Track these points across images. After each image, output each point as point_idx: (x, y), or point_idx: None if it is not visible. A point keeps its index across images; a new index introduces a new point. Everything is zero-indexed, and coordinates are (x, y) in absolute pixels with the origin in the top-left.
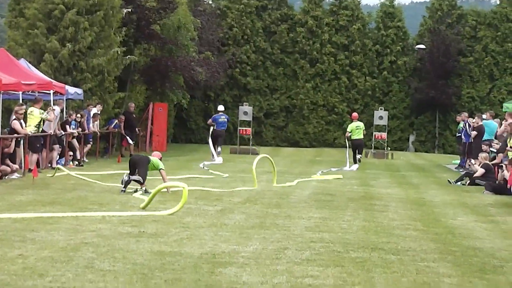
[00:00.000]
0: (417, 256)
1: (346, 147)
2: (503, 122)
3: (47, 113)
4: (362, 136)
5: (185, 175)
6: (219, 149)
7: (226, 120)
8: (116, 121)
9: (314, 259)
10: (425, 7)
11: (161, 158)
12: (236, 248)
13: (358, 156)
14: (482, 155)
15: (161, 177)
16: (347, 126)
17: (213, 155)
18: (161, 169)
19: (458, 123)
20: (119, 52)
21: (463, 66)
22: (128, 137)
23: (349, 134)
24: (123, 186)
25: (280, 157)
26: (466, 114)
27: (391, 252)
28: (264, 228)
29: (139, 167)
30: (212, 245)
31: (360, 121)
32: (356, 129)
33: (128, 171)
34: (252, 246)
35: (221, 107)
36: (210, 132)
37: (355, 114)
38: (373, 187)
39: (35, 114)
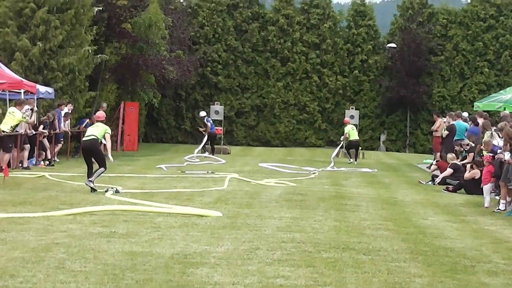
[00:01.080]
0: (388, 256)
1: (338, 146)
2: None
3: (28, 116)
4: (358, 137)
5: (157, 174)
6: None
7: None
8: (88, 120)
9: (285, 259)
10: (396, 6)
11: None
12: (208, 249)
13: (353, 160)
14: (449, 155)
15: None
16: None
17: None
18: (107, 133)
19: (433, 122)
20: (90, 51)
21: (434, 65)
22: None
23: (347, 136)
24: (91, 189)
25: (251, 157)
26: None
27: (362, 252)
28: (236, 228)
29: (94, 155)
30: (183, 245)
31: (331, 120)
32: (352, 130)
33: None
34: (224, 246)
35: (203, 113)
36: (206, 137)
37: (346, 119)
38: (345, 187)
39: (16, 115)
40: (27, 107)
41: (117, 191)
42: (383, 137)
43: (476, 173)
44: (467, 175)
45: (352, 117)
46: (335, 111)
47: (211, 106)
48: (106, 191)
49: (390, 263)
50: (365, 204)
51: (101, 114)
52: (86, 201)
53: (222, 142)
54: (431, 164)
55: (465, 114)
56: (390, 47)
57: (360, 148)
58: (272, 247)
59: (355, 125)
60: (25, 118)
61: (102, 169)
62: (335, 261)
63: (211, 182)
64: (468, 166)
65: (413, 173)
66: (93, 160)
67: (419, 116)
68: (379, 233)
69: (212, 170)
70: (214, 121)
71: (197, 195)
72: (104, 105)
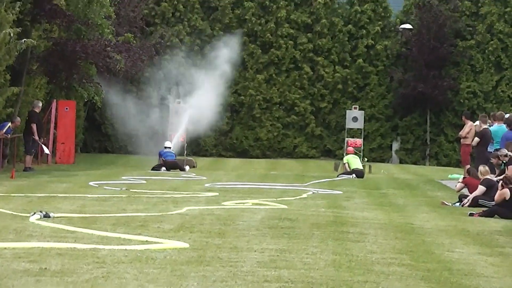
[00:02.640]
0: None
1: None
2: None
3: None
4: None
5: (100, 194)
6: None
7: (174, 154)
8: (10, 124)
9: None
10: None
11: None
12: None
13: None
14: (481, 168)
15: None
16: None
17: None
18: None
19: (462, 126)
20: (11, 35)
21: (462, 52)
22: (43, 146)
23: (347, 167)
24: None
25: (223, 171)
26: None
27: None
28: (204, 264)
29: None
30: (136, 286)
31: (328, 124)
32: (353, 158)
33: None
34: None
35: (168, 143)
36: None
37: (350, 149)
38: (346, 210)
39: None
40: None
41: (46, 216)
42: (395, 146)
43: (505, 193)
44: (496, 196)
45: (355, 119)
46: (332, 112)
47: (170, 106)
48: (32, 215)
49: None
50: (373, 232)
51: None
52: (7, 228)
53: (185, 152)
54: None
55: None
56: (404, 29)
57: (366, 159)
58: None
59: (358, 130)
60: None
61: None
62: None
63: (170, 204)
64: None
65: (435, 192)
66: None
67: (442, 118)
68: (392, 270)
69: (126, 187)
70: (174, 124)
71: (153, 221)
72: (39, 104)
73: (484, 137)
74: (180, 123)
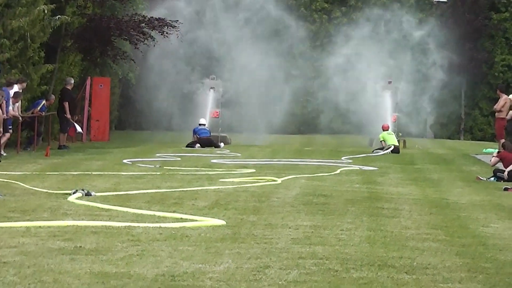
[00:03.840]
0: (439, 275)
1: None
2: None
3: None
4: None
5: (134, 171)
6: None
7: (208, 130)
8: (44, 102)
9: (304, 280)
10: None
11: None
12: (202, 268)
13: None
14: None
15: None
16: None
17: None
18: None
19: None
20: (46, 11)
21: (497, 25)
22: (76, 124)
23: (384, 144)
24: None
25: (258, 147)
26: None
27: (404, 270)
28: (238, 241)
29: None
30: (171, 264)
31: None
32: (388, 135)
33: None
34: (223, 265)
35: (202, 120)
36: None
37: (385, 125)
38: (380, 185)
39: None
40: None
41: (88, 194)
42: (430, 120)
43: None
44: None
45: (388, 90)
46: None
47: (206, 80)
48: (73, 193)
49: (441, 284)
50: (408, 208)
51: None
52: (42, 207)
53: (219, 129)
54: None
55: None
56: (438, 1)
57: (400, 134)
58: (286, 265)
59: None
60: None
61: None
62: (369, 283)
63: (205, 180)
64: None
65: (470, 167)
66: None
67: (477, 91)
68: (426, 245)
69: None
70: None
71: (188, 198)
72: (72, 81)
73: None
74: (214, 100)
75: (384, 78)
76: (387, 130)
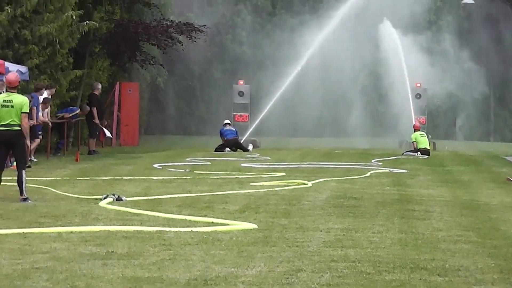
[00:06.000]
0: (471, 276)
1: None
2: None
3: None
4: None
5: (164, 176)
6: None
7: (234, 131)
8: (78, 110)
9: (336, 283)
10: None
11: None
12: (234, 271)
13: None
14: None
15: None
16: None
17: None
18: (24, 112)
19: None
20: (74, 17)
21: None
22: (105, 129)
23: (415, 145)
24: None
25: (287, 150)
26: None
27: (436, 272)
28: (270, 244)
29: (14, 147)
30: (203, 268)
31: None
32: (420, 137)
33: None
34: (256, 268)
35: (227, 120)
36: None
37: (417, 124)
38: (411, 188)
39: None
40: None
41: (119, 199)
42: (459, 122)
43: None
44: None
45: (418, 96)
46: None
47: (234, 85)
48: (104, 198)
49: (474, 286)
50: (439, 210)
51: (13, 77)
52: (73, 212)
53: (248, 132)
54: None
55: None
56: (466, 3)
57: (430, 136)
58: (318, 268)
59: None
60: None
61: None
62: (402, 285)
63: (235, 184)
64: None
65: (500, 168)
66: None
67: (506, 93)
68: (458, 247)
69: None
70: (237, 104)
71: (219, 202)
72: (99, 86)
73: None
74: (243, 103)
75: (413, 79)
76: (419, 130)
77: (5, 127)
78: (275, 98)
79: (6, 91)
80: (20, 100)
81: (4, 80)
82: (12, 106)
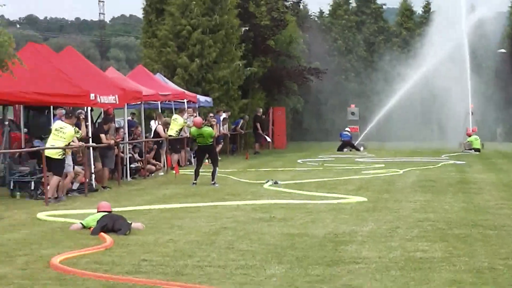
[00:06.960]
0: None
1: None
2: None
3: (190, 121)
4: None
5: (304, 167)
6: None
7: (349, 135)
8: (242, 121)
9: (422, 236)
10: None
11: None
12: (355, 229)
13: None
14: None
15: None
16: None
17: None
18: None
19: None
20: (240, 65)
21: None
22: (266, 136)
23: (470, 144)
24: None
25: (385, 150)
26: None
27: (489, 228)
28: (377, 211)
29: (209, 153)
30: (334, 227)
31: None
32: (475, 140)
33: None
34: (368, 227)
35: (347, 129)
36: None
37: (470, 132)
38: (469, 173)
39: (178, 121)
40: (186, 115)
41: (276, 183)
42: (499, 130)
43: None
44: None
45: (472, 113)
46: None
47: (348, 108)
48: (266, 182)
49: None
50: (488, 188)
51: (199, 120)
52: (246, 192)
53: (359, 138)
54: None
55: None
56: (501, 52)
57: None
58: (410, 226)
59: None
60: (186, 122)
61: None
62: (466, 236)
63: (352, 172)
64: None
65: None
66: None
67: None
68: (503, 212)
69: (321, 163)
70: (350, 121)
71: (341, 184)
72: (260, 110)
73: None
74: (355, 119)
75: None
76: (473, 135)
77: (206, 144)
78: (377, 117)
79: (197, 127)
80: (209, 131)
81: (192, 121)
82: (204, 136)
